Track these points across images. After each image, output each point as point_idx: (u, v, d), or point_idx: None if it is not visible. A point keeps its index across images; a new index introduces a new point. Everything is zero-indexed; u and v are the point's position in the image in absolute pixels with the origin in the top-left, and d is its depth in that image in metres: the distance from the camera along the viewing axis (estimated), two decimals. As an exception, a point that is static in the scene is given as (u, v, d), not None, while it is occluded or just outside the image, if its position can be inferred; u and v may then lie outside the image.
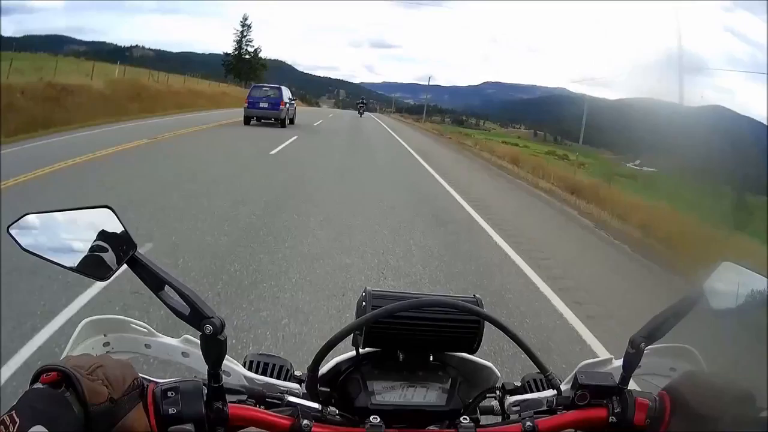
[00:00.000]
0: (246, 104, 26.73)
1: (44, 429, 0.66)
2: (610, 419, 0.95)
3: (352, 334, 0.97)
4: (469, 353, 1.06)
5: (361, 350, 1.01)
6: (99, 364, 0.76)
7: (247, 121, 26.27)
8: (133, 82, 31.00)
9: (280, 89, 27.50)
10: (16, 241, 0.80)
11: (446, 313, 0.98)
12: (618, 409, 0.95)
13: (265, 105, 26.39)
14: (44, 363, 0.74)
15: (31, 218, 0.82)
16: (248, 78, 79.16)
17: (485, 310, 0.97)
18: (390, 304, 0.94)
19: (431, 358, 1.06)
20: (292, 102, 29.74)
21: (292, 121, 28.58)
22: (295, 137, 21.81)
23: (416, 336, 0.99)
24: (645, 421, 0.94)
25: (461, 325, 1.00)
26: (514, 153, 30.88)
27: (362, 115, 52.91)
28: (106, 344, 1.01)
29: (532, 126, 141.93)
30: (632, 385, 0.99)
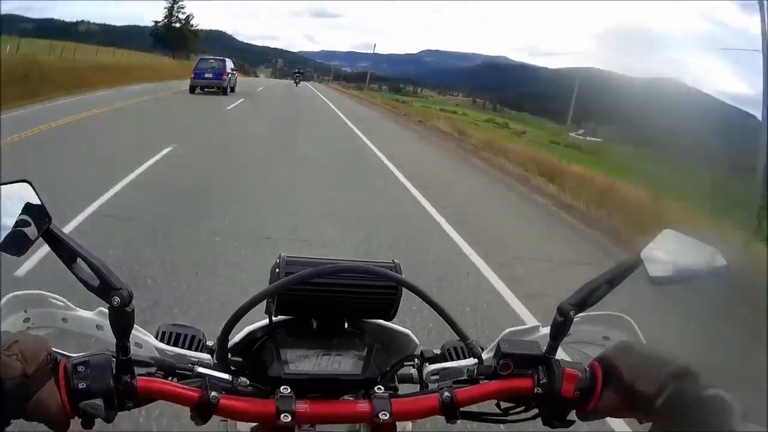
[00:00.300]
0: (193, 75, 29.50)
1: None
2: (536, 390, 0.91)
3: (266, 303, 0.96)
4: (386, 320, 1.04)
5: (274, 318, 0.99)
6: (15, 340, 0.76)
7: (192, 90, 28.73)
8: (26, 59, 24.47)
9: (224, 61, 30.37)
10: None
11: (362, 279, 0.96)
12: (544, 380, 0.91)
13: (210, 75, 29.17)
14: None
15: None
16: (179, 48, 74.26)
17: (403, 276, 0.95)
18: (304, 270, 0.91)
19: (347, 326, 1.03)
20: (234, 72, 32.88)
21: (233, 90, 31.34)
22: (240, 100, 26.62)
23: (331, 303, 0.98)
24: (574, 393, 0.89)
25: (378, 291, 0.97)
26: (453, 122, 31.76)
27: (298, 84, 55.40)
28: (27, 320, 1.00)
29: (470, 94, 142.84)
30: (562, 355, 0.94)
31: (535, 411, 0.94)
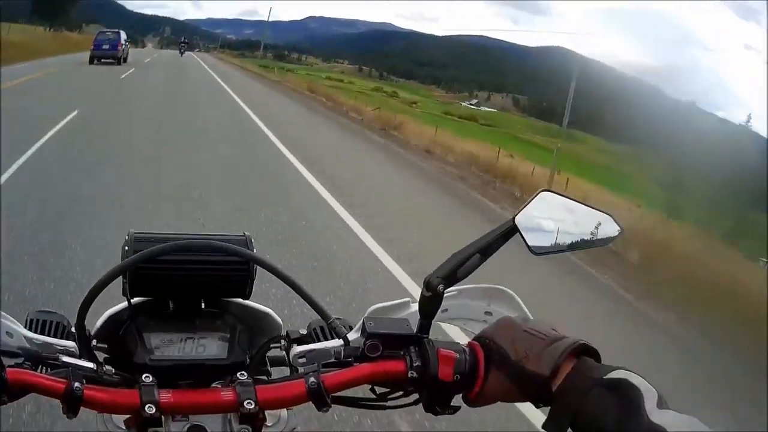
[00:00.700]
0: (92, 47, 33.03)
1: None
2: (410, 373, 0.84)
3: (122, 284, 0.90)
4: (243, 298, 0.97)
5: (134, 300, 0.93)
6: None
7: (91, 60, 31.81)
8: None
9: (118, 33, 34.30)
10: None
11: (214, 256, 0.90)
12: (417, 362, 0.84)
13: (107, 47, 32.87)
14: None
15: None
16: (55, 18, 67.30)
17: (254, 252, 0.90)
18: (154, 246, 0.87)
19: (204, 305, 0.97)
20: (126, 43, 36.61)
21: (125, 60, 34.31)
22: (131, 70, 29.39)
23: (185, 281, 0.91)
24: (453, 376, 0.83)
25: (229, 267, 0.91)
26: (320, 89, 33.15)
27: (183, 55, 57.54)
28: None
29: (356, 61, 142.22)
30: (443, 333, 0.89)
31: (415, 396, 0.89)
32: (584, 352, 0.75)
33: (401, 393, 0.90)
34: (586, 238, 0.88)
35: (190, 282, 0.93)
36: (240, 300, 0.99)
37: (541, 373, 0.75)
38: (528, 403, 0.80)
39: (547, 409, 0.76)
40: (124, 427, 0.89)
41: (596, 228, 0.87)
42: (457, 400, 0.86)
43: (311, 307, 0.92)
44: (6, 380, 0.77)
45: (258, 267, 0.93)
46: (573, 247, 0.90)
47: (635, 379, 0.69)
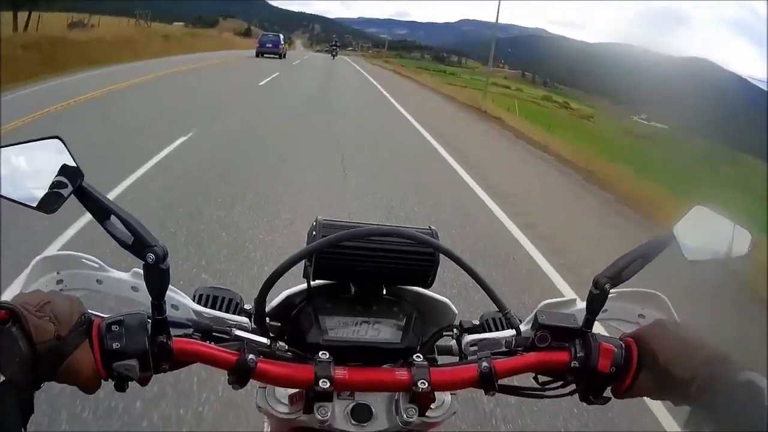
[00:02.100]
0: (258, 44, 43.92)
1: None
2: (572, 364, 0.90)
3: (304, 267, 0.94)
4: (423, 287, 1.01)
5: (312, 283, 0.96)
6: (47, 300, 0.73)
7: (258, 54, 41.44)
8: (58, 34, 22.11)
9: (278, 36, 46.36)
10: None
11: (400, 245, 0.93)
12: (581, 354, 0.89)
13: (270, 45, 42.84)
14: None
15: None
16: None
17: (441, 243, 0.92)
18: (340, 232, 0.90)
19: (385, 292, 1.00)
20: (284, 45, 46.99)
21: (284, 56, 43.68)
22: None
23: (369, 268, 0.94)
24: (610, 368, 0.88)
25: (415, 257, 0.94)
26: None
27: (335, 57, 54.78)
28: (59, 282, 0.97)
29: (518, 66, 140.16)
30: (598, 330, 0.92)
31: (572, 387, 0.93)
32: (721, 358, 0.80)
33: (561, 383, 0.94)
34: (728, 250, 0.92)
35: (375, 268, 0.95)
36: (419, 288, 1.03)
37: (683, 376, 0.80)
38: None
39: (683, 407, 0.82)
40: (287, 403, 0.93)
41: (737, 241, 0.92)
42: (607, 392, 0.91)
43: (490, 298, 0.93)
44: (172, 349, 0.81)
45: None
46: (719, 258, 0.94)
47: (759, 381, 0.75)
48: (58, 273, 0.98)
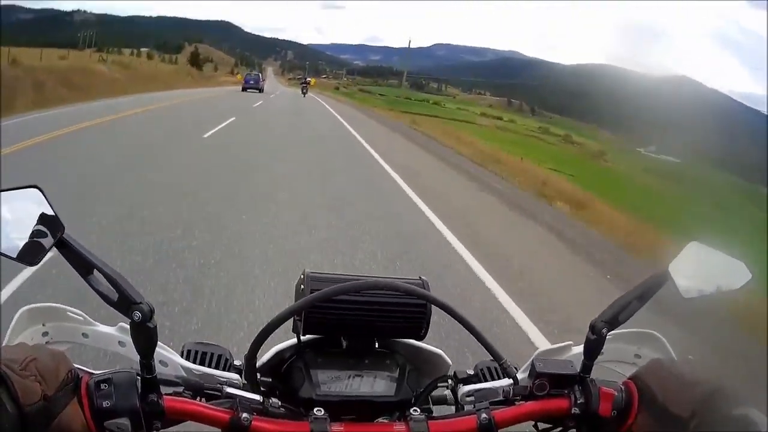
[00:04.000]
0: (243, 81, 53.22)
1: None
2: (573, 410, 0.90)
3: (293, 322, 0.94)
4: (416, 339, 1.01)
5: (303, 337, 0.97)
6: (32, 357, 0.72)
7: (243, 89, 49.97)
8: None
9: (258, 74, 58.87)
10: None
11: (391, 297, 0.93)
12: (581, 400, 0.90)
13: (252, 82, 51.84)
14: None
15: None
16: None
17: (431, 293, 0.92)
18: (330, 286, 0.89)
19: (377, 345, 1.01)
20: (263, 80, 58.01)
21: (262, 90, 51.36)
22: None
23: (360, 321, 0.95)
24: (611, 412, 0.89)
25: (407, 309, 0.95)
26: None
27: (305, 95, 51.96)
28: (45, 334, 0.97)
29: (497, 92, 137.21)
30: (595, 373, 0.94)
31: None
32: (718, 393, 0.80)
33: (560, 430, 0.93)
34: (723, 284, 0.92)
35: (366, 322, 0.94)
36: (412, 340, 1.01)
37: (681, 415, 0.81)
38: None
39: None
40: None
41: (732, 274, 0.93)
42: None
43: (485, 348, 0.91)
44: (163, 408, 0.80)
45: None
46: (716, 294, 0.93)
47: (755, 414, 0.76)
48: (43, 325, 0.96)
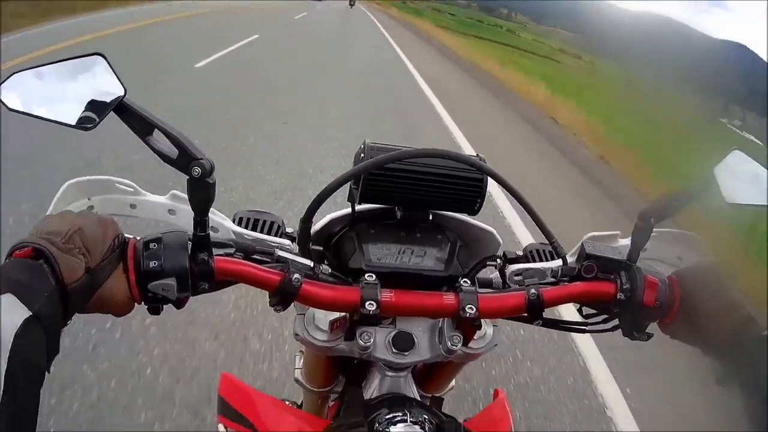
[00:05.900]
0: None
1: (14, 298, 0.59)
2: (618, 295, 0.90)
3: (349, 191, 0.94)
4: (470, 214, 0.99)
5: (357, 207, 0.96)
6: (77, 228, 0.69)
7: None
8: None
9: None
10: (2, 103, 0.73)
11: (449, 169, 0.92)
12: (626, 285, 0.90)
13: None
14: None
15: (18, 76, 0.74)
16: None
17: (490, 167, 0.90)
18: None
19: (430, 218, 0.98)
20: None
21: None
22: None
23: (416, 191, 0.93)
24: (654, 302, 0.89)
25: (463, 182, 0.93)
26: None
27: (353, 6, 48.23)
28: (90, 208, 0.93)
29: (572, 28, 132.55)
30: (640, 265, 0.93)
31: (615, 322, 0.94)
32: (753, 319, 0.81)
33: (603, 318, 0.95)
34: (763, 197, 0.92)
35: (422, 193, 0.92)
36: (465, 216, 1.00)
37: (719, 328, 0.82)
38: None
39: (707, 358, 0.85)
40: (327, 330, 0.92)
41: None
42: (649, 328, 0.92)
43: (538, 227, 0.91)
44: (213, 268, 0.78)
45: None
46: (757, 203, 0.93)
47: None
48: (89, 199, 0.93)
